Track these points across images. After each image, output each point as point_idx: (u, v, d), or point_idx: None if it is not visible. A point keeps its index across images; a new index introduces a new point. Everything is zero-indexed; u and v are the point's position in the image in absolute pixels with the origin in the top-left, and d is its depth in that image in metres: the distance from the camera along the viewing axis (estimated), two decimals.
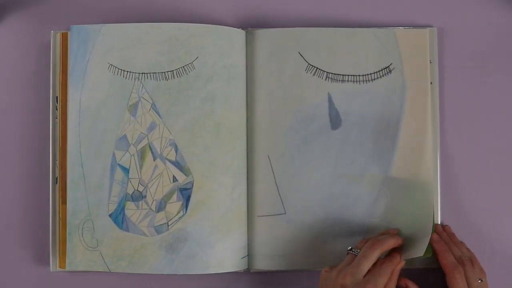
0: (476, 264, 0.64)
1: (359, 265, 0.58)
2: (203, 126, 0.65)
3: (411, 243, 0.64)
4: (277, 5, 0.70)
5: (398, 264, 0.60)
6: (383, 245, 0.60)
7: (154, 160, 0.65)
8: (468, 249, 0.66)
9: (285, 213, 0.66)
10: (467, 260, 0.64)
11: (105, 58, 0.66)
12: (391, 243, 0.61)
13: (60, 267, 0.66)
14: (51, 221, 0.66)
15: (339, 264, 0.60)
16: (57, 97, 0.67)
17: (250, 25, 0.69)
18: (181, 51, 0.66)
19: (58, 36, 0.67)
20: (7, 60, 0.69)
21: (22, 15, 0.69)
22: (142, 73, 0.66)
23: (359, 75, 0.67)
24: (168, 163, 0.65)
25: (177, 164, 0.65)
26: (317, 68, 0.67)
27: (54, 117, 0.67)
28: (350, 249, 0.61)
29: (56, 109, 0.67)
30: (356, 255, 0.60)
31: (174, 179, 0.65)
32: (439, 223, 0.68)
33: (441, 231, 0.67)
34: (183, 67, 0.66)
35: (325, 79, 0.67)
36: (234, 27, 0.68)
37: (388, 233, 0.64)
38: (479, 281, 0.62)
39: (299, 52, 0.67)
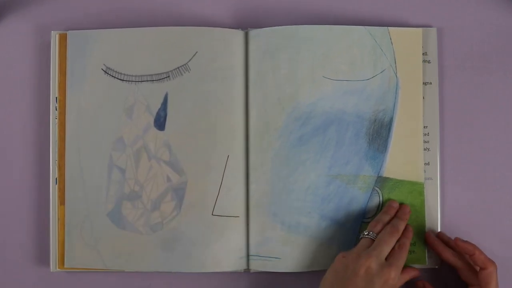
0: None
1: (382, 250, 0.60)
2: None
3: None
4: (277, 5, 0.70)
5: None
6: (399, 231, 0.63)
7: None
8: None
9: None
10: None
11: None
12: (403, 226, 0.64)
13: (60, 267, 0.67)
14: (51, 221, 0.67)
15: (353, 249, 0.62)
16: (56, 97, 0.67)
17: (250, 25, 0.69)
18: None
19: (57, 36, 0.68)
20: (7, 60, 0.69)
21: (22, 15, 0.69)
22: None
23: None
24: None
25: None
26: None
27: (54, 118, 0.67)
28: (367, 234, 0.62)
29: (56, 110, 0.67)
30: (372, 239, 0.62)
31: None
32: (438, 223, 0.68)
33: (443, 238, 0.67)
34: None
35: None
36: (233, 28, 0.68)
37: (393, 210, 0.66)
38: None
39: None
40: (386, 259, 0.60)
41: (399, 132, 0.67)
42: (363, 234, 0.63)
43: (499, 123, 0.69)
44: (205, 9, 0.70)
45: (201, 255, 0.65)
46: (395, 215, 0.65)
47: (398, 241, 0.62)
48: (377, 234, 0.62)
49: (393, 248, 0.61)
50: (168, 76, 0.66)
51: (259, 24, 0.69)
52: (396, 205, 0.66)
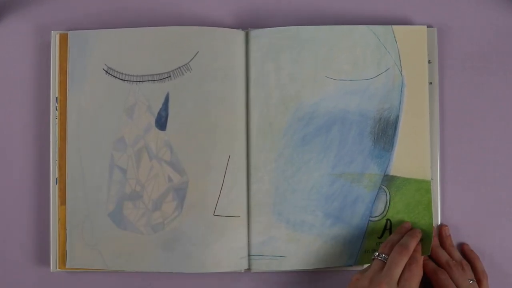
0: (466, 266, 0.64)
1: (392, 273, 0.59)
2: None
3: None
4: (278, 6, 0.70)
5: (422, 259, 0.62)
6: (410, 250, 0.61)
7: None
8: (459, 254, 0.67)
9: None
10: (454, 263, 0.64)
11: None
12: (414, 244, 0.62)
13: (60, 267, 0.67)
14: (51, 221, 0.67)
15: (367, 270, 0.60)
16: (56, 97, 0.67)
17: (251, 25, 0.69)
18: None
19: (58, 36, 0.68)
20: (7, 60, 0.69)
21: (22, 15, 0.69)
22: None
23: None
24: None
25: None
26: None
27: (54, 118, 0.67)
28: (377, 255, 0.61)
29: (56, 110, 0.67)
30: (384, 261, 0.60)
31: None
32: (439, 223, 0.68)
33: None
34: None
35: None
36: (234, 28, 0.68)
37: (405, 231, 0.65)
38: (470, 281, 0.63)
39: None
40: (398, 281, 0.59)
41: (406, 130, 0.67)
42: (375, 255, 0.62)
43: (499, 123, 0.69)
44: (206, 9, 0.70)
45: (201, 255, 0.65)
46: (406, 234, 0.64)
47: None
48: (388, 255, 0.61)
49: (405, 267, 0.60)
50: (169, 76, 0.66)
51: (259, 24, 0.69)
52: (408, 226, 0.66)
